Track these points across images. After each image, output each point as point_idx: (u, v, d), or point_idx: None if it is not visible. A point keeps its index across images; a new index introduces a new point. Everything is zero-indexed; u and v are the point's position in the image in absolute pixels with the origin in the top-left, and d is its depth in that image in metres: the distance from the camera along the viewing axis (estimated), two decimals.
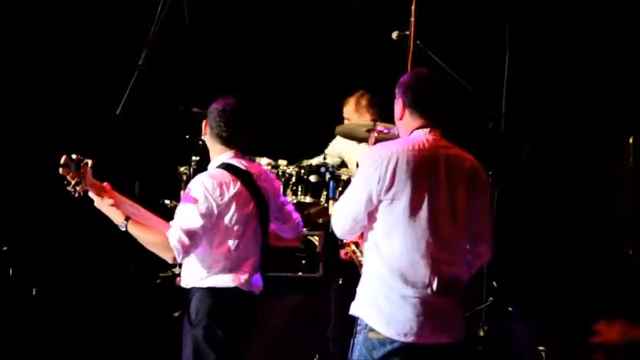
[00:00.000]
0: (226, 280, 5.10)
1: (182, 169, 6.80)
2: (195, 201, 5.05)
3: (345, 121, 7.49)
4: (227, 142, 5.25)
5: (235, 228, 5.10)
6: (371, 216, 4.39)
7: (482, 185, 4.53)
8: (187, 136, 6.71)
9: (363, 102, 7.47)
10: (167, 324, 6.71)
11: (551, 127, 7.80)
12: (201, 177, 5.17)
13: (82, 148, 5.18)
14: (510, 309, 6.82)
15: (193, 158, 6.71)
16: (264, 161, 7.06)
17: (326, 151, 7.69)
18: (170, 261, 5.10)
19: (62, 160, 5.06)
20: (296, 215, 5.53)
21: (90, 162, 5.12)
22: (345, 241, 4.87)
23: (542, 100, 7.79)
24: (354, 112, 7.44)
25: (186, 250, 5.01)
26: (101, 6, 7.93)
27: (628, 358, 7.05)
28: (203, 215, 5.03)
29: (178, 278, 5.50)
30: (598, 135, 7.70)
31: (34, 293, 7.58)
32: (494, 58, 6.99)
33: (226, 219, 5.09)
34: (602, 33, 7.65)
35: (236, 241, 5.11)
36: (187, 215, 5.03)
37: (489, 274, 6.60)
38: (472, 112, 6.82)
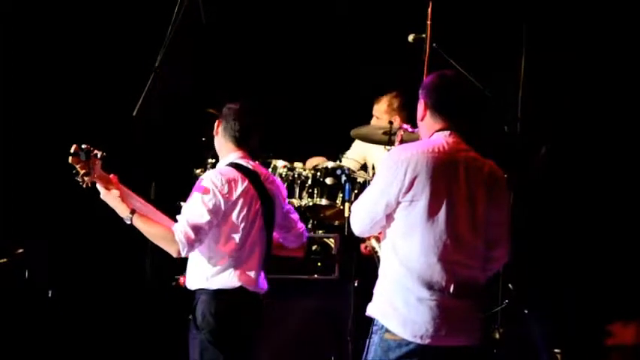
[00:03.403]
0: (232, 279, 5.12)
1: (198, 171, 6.80)
2: (203, 196, 5.09)
3: (374, 119, 7.47)
4: (238, 142, 5.32)
5: (242, 226, 5.15)
6: (389, 217, 4.38)
7: (501, 189, 4.52)
8: (203, 138, 6.71)
9: (395, 103, 7.43)
10: (181, 326, 6.72)
11: (568, 130, 7.78)
12: (210, 173, 5.26)
13: (99, 149, 5.20)
14: (526, 311, 6.80)
15: (209, 160, 6.71)
16: (280, 163, 7.07)
17: (346, 154, 7.66)
18: (174, 255, 5.13)
19: (72, 150, 5.10)
20: (301, 225, 5.58)
21: (100, 154, 5.15)
22: None
23: (558, 102, 7.77)
24: (385, 113, 7.38)
25: (191, 245, 5.04)
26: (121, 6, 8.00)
27: None
28: (210, 211, 5.07)
29: (182, 279, 5.51)
30: (615, 137, 7.67)
31: (49, 295, 7.59)
32: (510, 59, 6.97)
33: (233, 216, 5.14)
34: (620, 33, 7.62)
35: (242, 239, 5.15)
36: (195, 210, 5.07)
37: (505, 276, 6.59)
38: (488, 115, 6.81)
